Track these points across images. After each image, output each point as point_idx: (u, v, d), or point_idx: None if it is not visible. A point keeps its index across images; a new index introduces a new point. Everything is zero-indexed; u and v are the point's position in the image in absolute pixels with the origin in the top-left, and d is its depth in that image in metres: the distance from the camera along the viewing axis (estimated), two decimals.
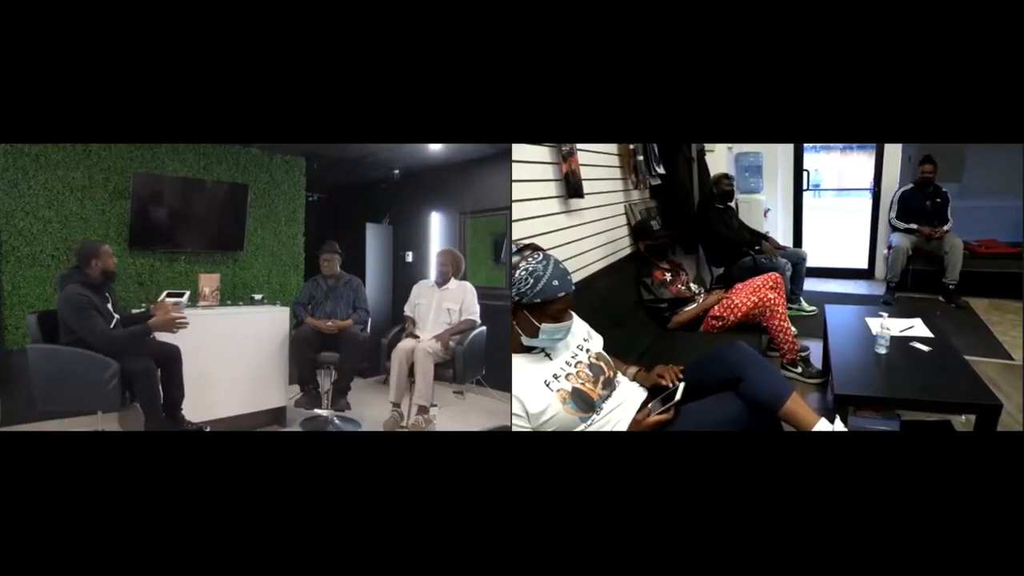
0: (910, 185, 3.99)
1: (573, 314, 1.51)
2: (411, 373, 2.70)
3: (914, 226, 3.90)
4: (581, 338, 1.59)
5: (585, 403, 1.46)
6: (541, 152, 2.34)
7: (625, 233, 3.26)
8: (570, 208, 2.55)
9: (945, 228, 3.83)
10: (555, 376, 1.46)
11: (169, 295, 2.69)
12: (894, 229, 4.01)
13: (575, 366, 1.51)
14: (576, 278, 1.59)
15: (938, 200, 3.88)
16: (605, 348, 1.64)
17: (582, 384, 1.48)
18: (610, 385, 1.55)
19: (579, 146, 2.54)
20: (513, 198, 2.09)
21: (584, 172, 2.57)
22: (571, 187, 2.48)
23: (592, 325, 1.68)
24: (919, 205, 3.90)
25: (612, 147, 3.18)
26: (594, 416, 1.48)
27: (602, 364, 1.56)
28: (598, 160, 2.95)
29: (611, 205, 3.11)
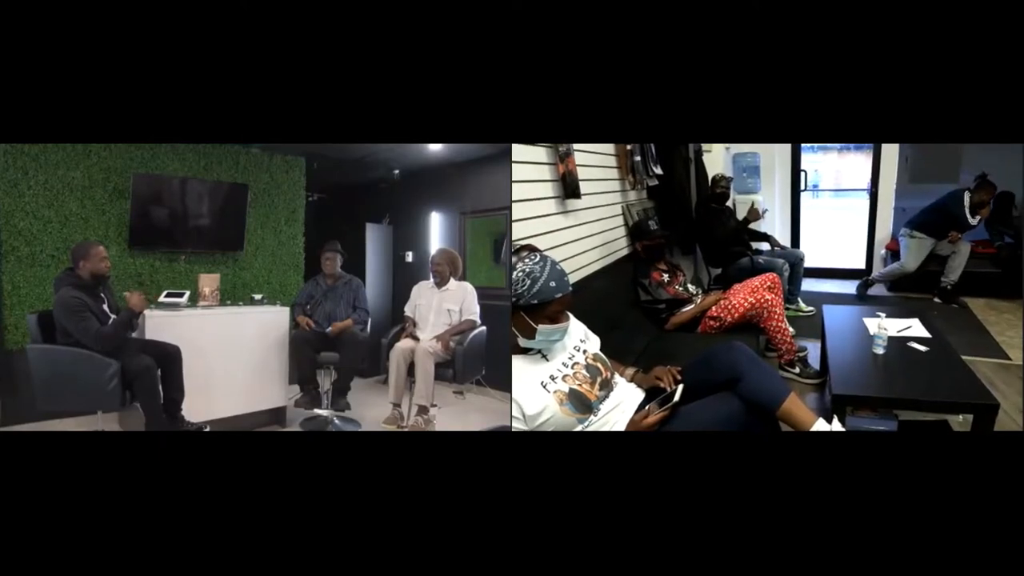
0: (969, 189, 3.75)
1: (570, 315, 1.52)
2: (411, 373, 2.70)
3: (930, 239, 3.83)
4: (578, 339, 1.59)
5: (582, 404, 1.46)
6: (538, 153, 2.34)
7: (623, 234, 3.26)
8: (567, 209, 2.55)
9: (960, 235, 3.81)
10: (552, 377, 1.46)
11: (169, 295, 2.71)
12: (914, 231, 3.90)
13: (572, 367, 1.51)
14: (573, 279, 1.59)
15: (978, 217, 3.76)
16: (603, 349, 1.64)
17: (579, 385, 1.48)
18: (607, 386, 1.55)
19: (576, 146, 2.54)
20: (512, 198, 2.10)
21: (581, 172, 2.57)
22: (568, 188, 2.48)
23: (589, 326, 1.68)
24: (966, 216, 3.73)
25: (609, 147, 3.18)
26: (591, 417, 1.48)
27: (599, 365, 1.56)
28: (595, 160, 2.95)
29: (608, 206, 3.12)
